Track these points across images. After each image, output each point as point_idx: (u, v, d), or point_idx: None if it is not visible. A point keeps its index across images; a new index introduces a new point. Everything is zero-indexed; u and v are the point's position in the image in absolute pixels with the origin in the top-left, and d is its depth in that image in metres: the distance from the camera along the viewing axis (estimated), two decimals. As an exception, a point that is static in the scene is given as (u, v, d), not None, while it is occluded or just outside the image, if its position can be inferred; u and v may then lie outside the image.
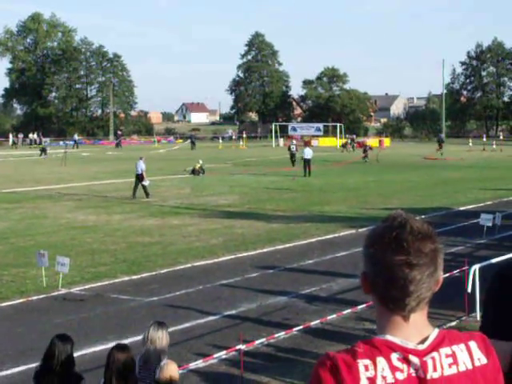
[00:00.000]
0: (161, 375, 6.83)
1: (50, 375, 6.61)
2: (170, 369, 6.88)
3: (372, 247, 2.25)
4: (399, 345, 2.21)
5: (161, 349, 7.01)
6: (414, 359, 2.19)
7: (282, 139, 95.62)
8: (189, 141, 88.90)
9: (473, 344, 2.29)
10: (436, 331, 2.26)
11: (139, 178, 32.86)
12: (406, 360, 2.18)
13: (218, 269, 17.59)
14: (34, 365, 10.90)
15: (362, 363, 2.16)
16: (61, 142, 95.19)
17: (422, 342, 2.23)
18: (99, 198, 32.32)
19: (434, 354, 2.21)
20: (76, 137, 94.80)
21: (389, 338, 2.22)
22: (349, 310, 12.74)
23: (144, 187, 32.68)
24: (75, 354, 6.90)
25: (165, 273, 17.15)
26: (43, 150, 74.36)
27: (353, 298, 13.94)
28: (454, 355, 2.23)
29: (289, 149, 54.59)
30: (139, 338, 12.08)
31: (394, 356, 2.18)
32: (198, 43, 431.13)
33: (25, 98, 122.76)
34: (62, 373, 6.67)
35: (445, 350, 2.23)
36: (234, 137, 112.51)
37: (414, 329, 2.24)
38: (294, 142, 56.68)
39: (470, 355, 2.26)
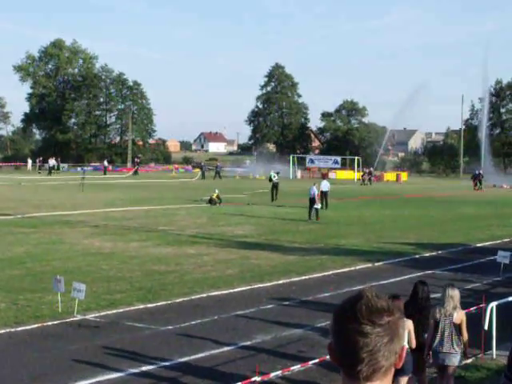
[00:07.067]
0: (456, 318, 10.32)
1: (414, 305, 10.86)
2: (462, 314, 10.47)
3: (334, 317, 2.35)
4: None
5: (456, 301, 10.43)
6: None
7: (299, 171, 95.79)
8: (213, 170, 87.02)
9: None
10: None
11: (312, 201, 36.69)
12: None
13: (234, 299, 17.57)
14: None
15: None
16: (78, 168, 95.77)
17: None
18: (116, 225, 32.39)
19: None
20: (106, 163, 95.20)
21: None
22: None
23: (316, 210, 36.73)
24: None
25: (180, 302, 17.14)
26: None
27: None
28: None
29: (270, 179, 51.77)
30: (154, 366, 12.14)
31: None
32: (218, 73, 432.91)
33: (44, 124, 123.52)
34: (423, 305, 10.92)
35: None
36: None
37: None
38: (274, 172, 51.90)
39: None
